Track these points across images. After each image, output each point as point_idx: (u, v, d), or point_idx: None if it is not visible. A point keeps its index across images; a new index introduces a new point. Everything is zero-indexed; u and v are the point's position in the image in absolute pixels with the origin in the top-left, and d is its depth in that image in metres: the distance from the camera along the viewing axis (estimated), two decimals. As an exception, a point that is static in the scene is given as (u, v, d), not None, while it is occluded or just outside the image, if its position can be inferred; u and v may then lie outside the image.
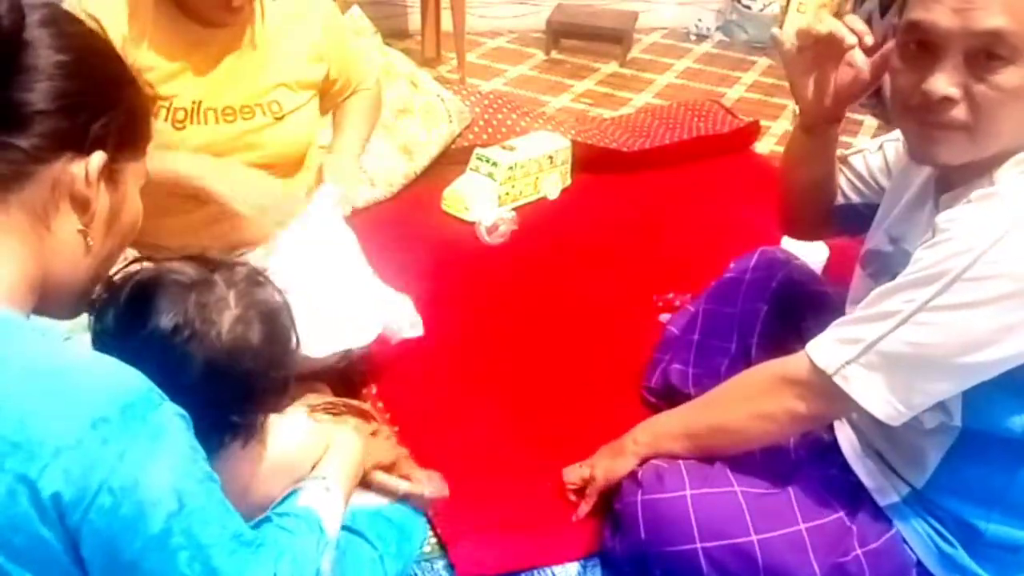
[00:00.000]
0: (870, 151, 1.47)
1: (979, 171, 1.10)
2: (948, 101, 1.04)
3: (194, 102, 1.58)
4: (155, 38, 1.54)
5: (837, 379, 1.14)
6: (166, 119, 1.57)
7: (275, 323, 0.99)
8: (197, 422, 0.96)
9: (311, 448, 1.11)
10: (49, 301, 0.84)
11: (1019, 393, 1.10)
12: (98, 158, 0.82)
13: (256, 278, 1.01)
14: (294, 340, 1.02)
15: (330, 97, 1.79)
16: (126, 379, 0.78)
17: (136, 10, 1.53)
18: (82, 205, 0.83)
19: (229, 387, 0.95)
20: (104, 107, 0.84)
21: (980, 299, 1.04)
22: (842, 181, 1.48)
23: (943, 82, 1.04)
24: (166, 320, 0.92)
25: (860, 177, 1.48)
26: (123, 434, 0.75)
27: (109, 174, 0.85)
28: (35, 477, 0.72)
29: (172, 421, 0.79)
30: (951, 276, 1.05)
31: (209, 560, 0.79)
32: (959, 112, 1.05)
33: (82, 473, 0.73)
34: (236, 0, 1.48)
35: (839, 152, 1.50)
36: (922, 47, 1.06)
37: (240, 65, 1.61)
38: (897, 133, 1.35)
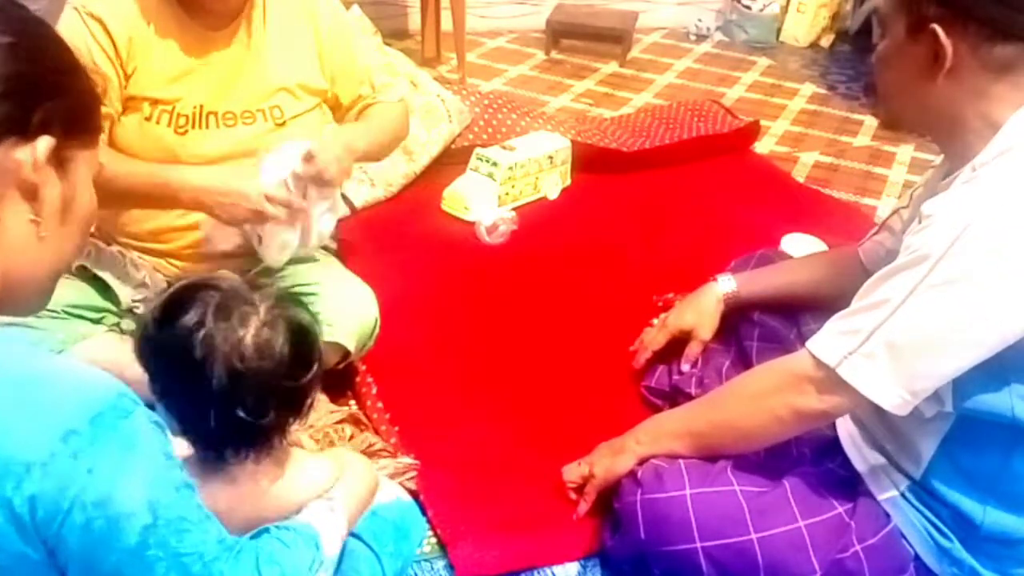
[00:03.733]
0: (903, 207, 1.49)
1: (963, 159, 1.15)
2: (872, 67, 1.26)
3: (195, 106, 1.57)
4: (160, 41, 1.54)
5: (840, 371, 1.15)
6: (168, 124, 1.57)
7: (300, 335, 1.02)
8: (212, 427, 0.97)
9: (324, 489, 1.11)
10: (7, 297, 0.81)
11: (1006, 377, 1.12)
12: (45, 143, 0.78)
13: (289, 295, 1.04)
14: (316, 356, 1.04)
15: (342, 110, 1.76)
16: (96, 387, 0.77)
17: (143, 13, 1.53)
18: (30, 192, 0.79)
19: (247, 390, 0.97)
20: (48, 92, 0.80)
21: (966, 274, 1.07)
22: (890, 244, 1.49)
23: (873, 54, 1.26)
24: (191, 317, 0.96)
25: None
26: (93, 446, 0.74)
27: (59, 161, 0.81)
28: (10, 495, 0.71)
29: (144, 429, 0.78)
30: (937, 256, 1.08)
31: (187, 569, 0.79)
32: (874, 77, 1.26)
33: (54, 489, 0.72)
34: None
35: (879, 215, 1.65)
36: None
37: (242, 69, 1.60)
38: (921, 180, 1.50)
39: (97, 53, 1.50)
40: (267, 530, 0.97)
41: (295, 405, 1.04)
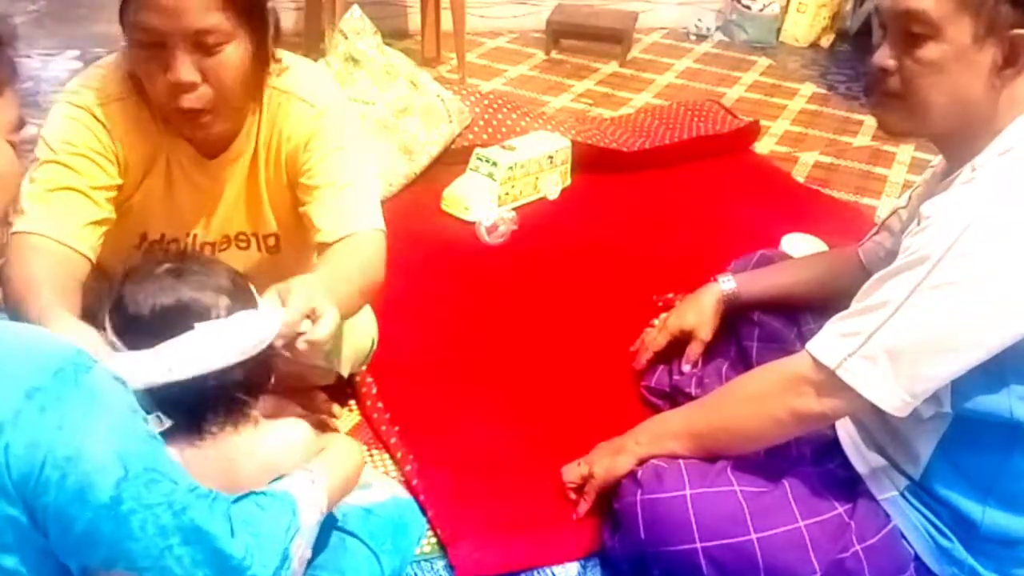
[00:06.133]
0: (901, 207, 1.49)
1: (963, 160, 1.15)
2: (884, 72, 1.17)
3: (188, 233, 1.47)
4: (158, 175, 1.42)
5: (840, 373, 1.15)
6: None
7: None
8: (197, 400, 0.99)
9: (301, 453, 1.11)
10: None
11: (1005, 378, 1.12)
12: None
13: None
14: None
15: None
16: (52, 344, 0.78)
17: (143, 139, 1.38)
18: None
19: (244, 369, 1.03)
20: None
21: (966, 276, 1.07)
22: (889, 244, 1.49)
23: (881, 55, 1.18)
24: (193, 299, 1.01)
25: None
26: (58, 401, 0.75)
27: None
28: None
29: (106, 383, 0.79)
30: (935, 258, 1.08)
31: (159, 519, 0.80)
32: (894, 82, 1.17)
33: (26, 446, 0.73)
34: (187, 103, 1.26)
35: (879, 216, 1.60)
36: (881, 27, 1.20)
37: (239, 199, 1.47)
38: (920, 179, 1.48)
39: (96, 155, 1.33)
40: (245, 495, 0.97)
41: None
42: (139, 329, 0.99)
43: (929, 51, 1.12)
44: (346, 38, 2.66)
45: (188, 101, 1.26)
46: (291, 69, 1.42)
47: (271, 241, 1.52)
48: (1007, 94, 1.13)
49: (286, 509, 0.96)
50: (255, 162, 1.44)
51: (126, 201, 1.40)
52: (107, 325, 1.02)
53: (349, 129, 1.46)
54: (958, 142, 1.18)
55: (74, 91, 1.35)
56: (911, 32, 1.13)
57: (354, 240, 1.39)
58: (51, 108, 1.37)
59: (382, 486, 1.42)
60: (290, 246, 1.53)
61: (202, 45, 1.23)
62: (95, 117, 1.33)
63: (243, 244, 1.51)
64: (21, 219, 1.27)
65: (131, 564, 0.80)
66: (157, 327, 0.99)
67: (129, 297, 1.01)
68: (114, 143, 1.35)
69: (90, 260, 1.31)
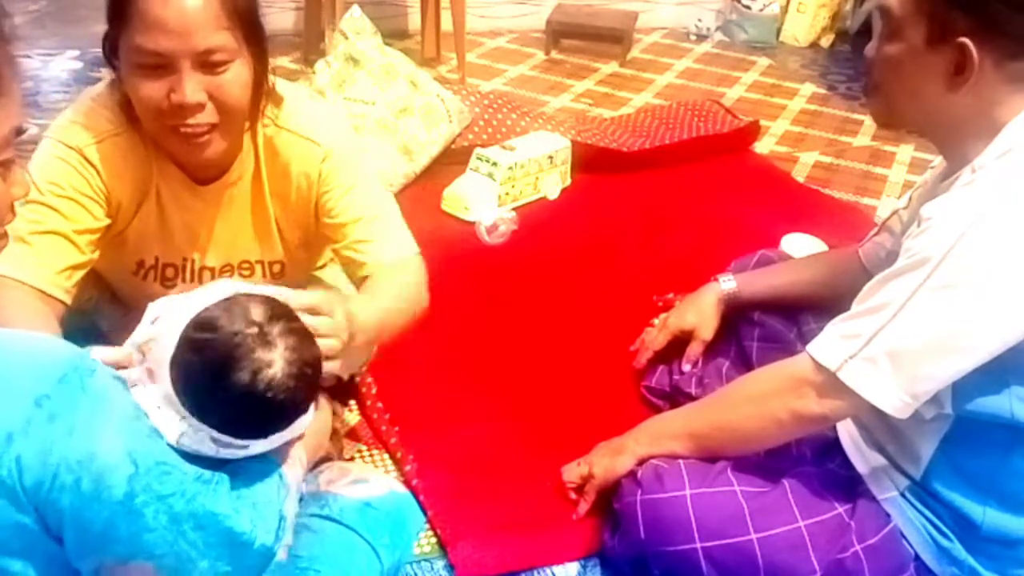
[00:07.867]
0: (902, 208, 1.49)
1: (963, 162, 1.15)
2: (866, 63, 1.23)
3: (185, 259, 1.45)
4: (154, 204, 1.40)
5: (841, 374, 1.15)
6: (155, 279, 1.45)
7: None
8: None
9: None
10: None
11: (1005, 379, 1.12)
12: None
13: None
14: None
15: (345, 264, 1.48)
16: (53, 350, 0.80)
17: (136, 171, 1.36)
18: None
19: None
20: None
21: (965, 278, 1.07)
22: (890, 245, 1.49)
23: (868, 46, 1.23)
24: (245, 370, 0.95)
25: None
26: (67, 407, 0.76)
27: None
28: None
29: (109, 383, 0.81)
30: (936, 260, 1.08)
31: (172, 508, 0.82)
32: (873, 74, 1.22)
33: (38, 453, 0.74)
34: (191, 122, 1.24)
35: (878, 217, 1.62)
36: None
37: (247, 231, 1.45)
38: (920, 180, 1.48)
39: (84, 197, 1.30)
40: (234, 463, 0.98)
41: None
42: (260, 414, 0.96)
43: (891, 48, 1.17)
44: (346, 38, 2.66)
45: (194, 120, 1.24)
46: (288, 102, 1.39)
47: (276, 268, 1.51)
48: (980, 99, 1.13)
49: (272, 473, 0.99)
50: (259, 191, 1.42)
51: (120, 234, 1.39)
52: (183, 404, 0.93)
53: (358, 165, 1.46)
54: (956, 143, 1.18)
55: (65, 129, 1.32)
56: (885, 29, 1.17)
57: (397, 268, 1.42)
58: (40, 145, 1.32)
59: (379, 480, 1.42)
60: (294, 270, 1.53)
61: (208, 64, 1.21)
62: (85, 158, 1.30)
63: (247, 272, 1.49)
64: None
65: (149, 554, 0.82)
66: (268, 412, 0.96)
67: (262, 387, 0.94)
68: (104, 184, 1.32)
69: (65, 304, 1.29)
